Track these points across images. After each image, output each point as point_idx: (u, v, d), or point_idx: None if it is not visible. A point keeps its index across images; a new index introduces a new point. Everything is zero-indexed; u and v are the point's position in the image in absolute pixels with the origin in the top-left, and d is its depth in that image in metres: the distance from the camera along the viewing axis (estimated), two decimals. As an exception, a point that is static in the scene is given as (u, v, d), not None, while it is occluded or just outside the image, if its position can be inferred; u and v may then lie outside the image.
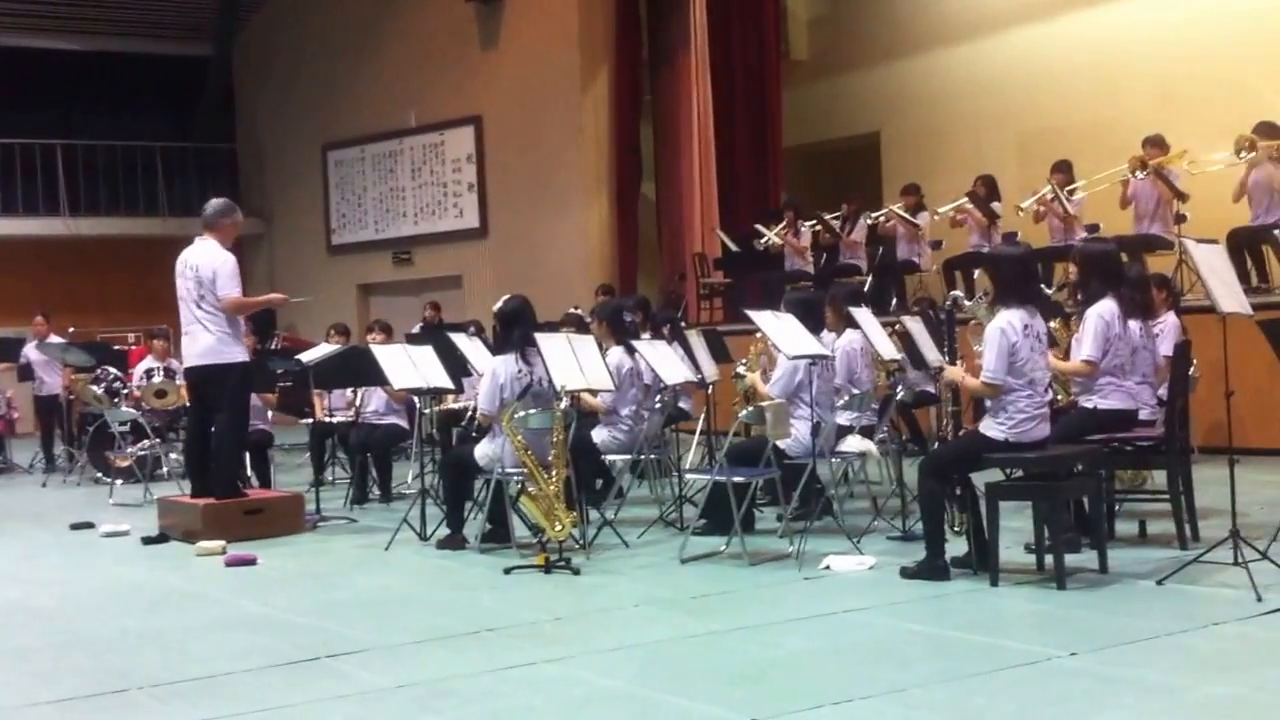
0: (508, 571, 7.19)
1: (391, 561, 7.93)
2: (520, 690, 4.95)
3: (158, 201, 21.17)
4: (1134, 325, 7.14)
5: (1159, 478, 7.59)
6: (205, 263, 8.89)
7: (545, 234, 17.45)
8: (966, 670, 4.96)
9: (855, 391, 8.36)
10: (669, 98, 17.48)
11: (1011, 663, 5.02)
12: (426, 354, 8.86)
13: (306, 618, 6.37)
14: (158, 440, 11.77)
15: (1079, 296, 7.38)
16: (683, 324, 11.71)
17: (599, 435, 8.77)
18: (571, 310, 12.18)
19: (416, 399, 9.30)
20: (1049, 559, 6.44)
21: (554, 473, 7.33)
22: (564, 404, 7.52)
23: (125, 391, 12.33)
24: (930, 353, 7.62)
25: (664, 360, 8.68)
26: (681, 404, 10.15)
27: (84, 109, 20.88)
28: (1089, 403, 7.00)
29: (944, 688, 4.76)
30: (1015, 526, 7.26)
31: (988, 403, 6.48)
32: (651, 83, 17.81)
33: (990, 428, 6.41)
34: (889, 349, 8.29)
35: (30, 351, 14.37)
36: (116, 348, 14.51)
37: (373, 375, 9.27)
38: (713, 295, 16.51)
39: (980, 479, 6.69)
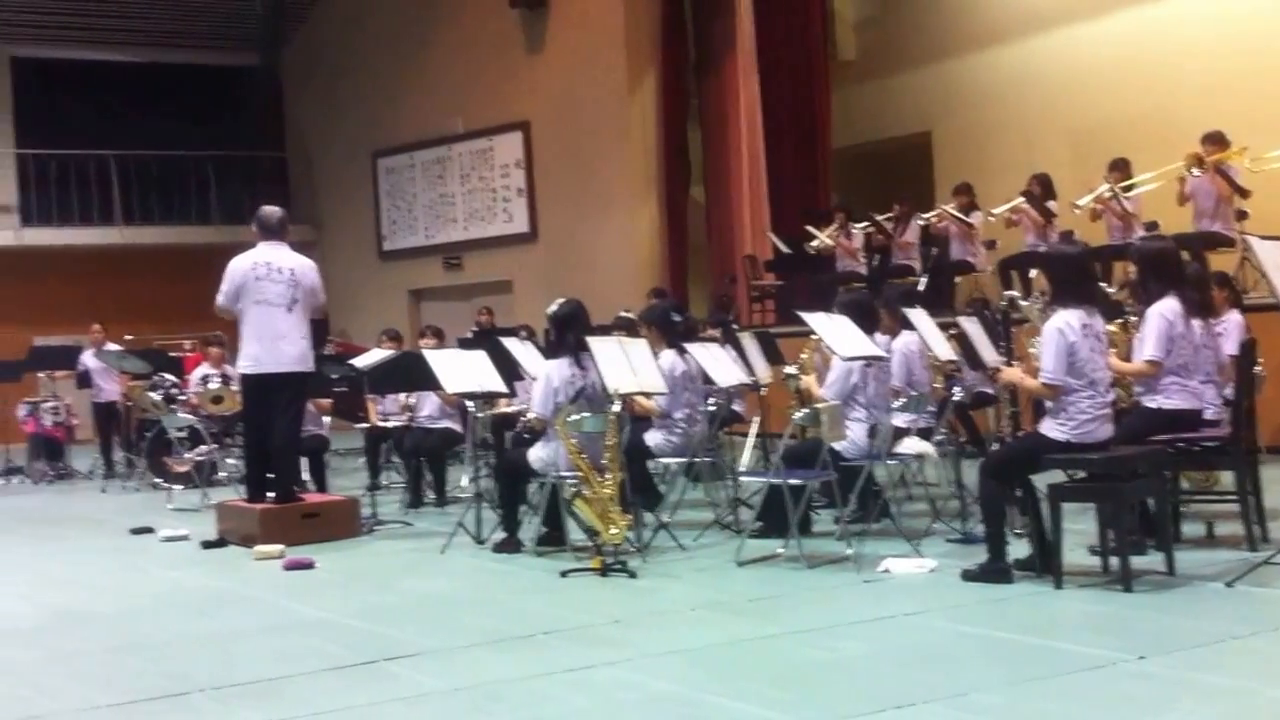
0: (564, 574, 7.17)
1: (447, 565, 7.93)
2: (574, 694, 4.91)
3: (209, 210, 21.37)
4: (1195, 324, 7.01)
5: (1226, 478, 7.45)
6: (301, 268, 9.03)
7: (594, 237, 17.46)
8: (1029, 674, 4.88)
9: (912, 393, 8.28)
10: (716, 100, 17.45)
11: (1076, 667, 4.94)
12: (479, 358, 8.86)
13: (362, 621, 6.37)
14: (215, 445, 11.86)
15: (1138, 296, 7.25)
16: (734, 326, 11.66)
17: (652, 438, 8.73)
18: (622, 313, 12.16)
19: (469, 403, 9.30)
20: (1114, 561, 6.33)
21: (608, 476, 7.30)
22: (616, 407, 7.48)
23: (182, 398, 12.42)
24: (988, 353, 7.53)
25: (716, 362, 8.63)
26: (735, 406, 10.09)
27: (136, 120, 21.07)
28: (1152, 403, 6.88)
29: (1006, 692, 4.68)
30: (1078, 529, 7.15)
31: (1048, 403, 6.39)
32: (698, 85, 17.78)
33: (1051, 429, 6.31)
34: (945, 350, 8.20)
35: (88, 359, 14.53)
36: (172, 354, 14.63)
37: (426, 380, 9.28)
38: (763, 297, 16.46)
39: (1042, 480, 6.59)
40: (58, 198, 20.62)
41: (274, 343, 8.94)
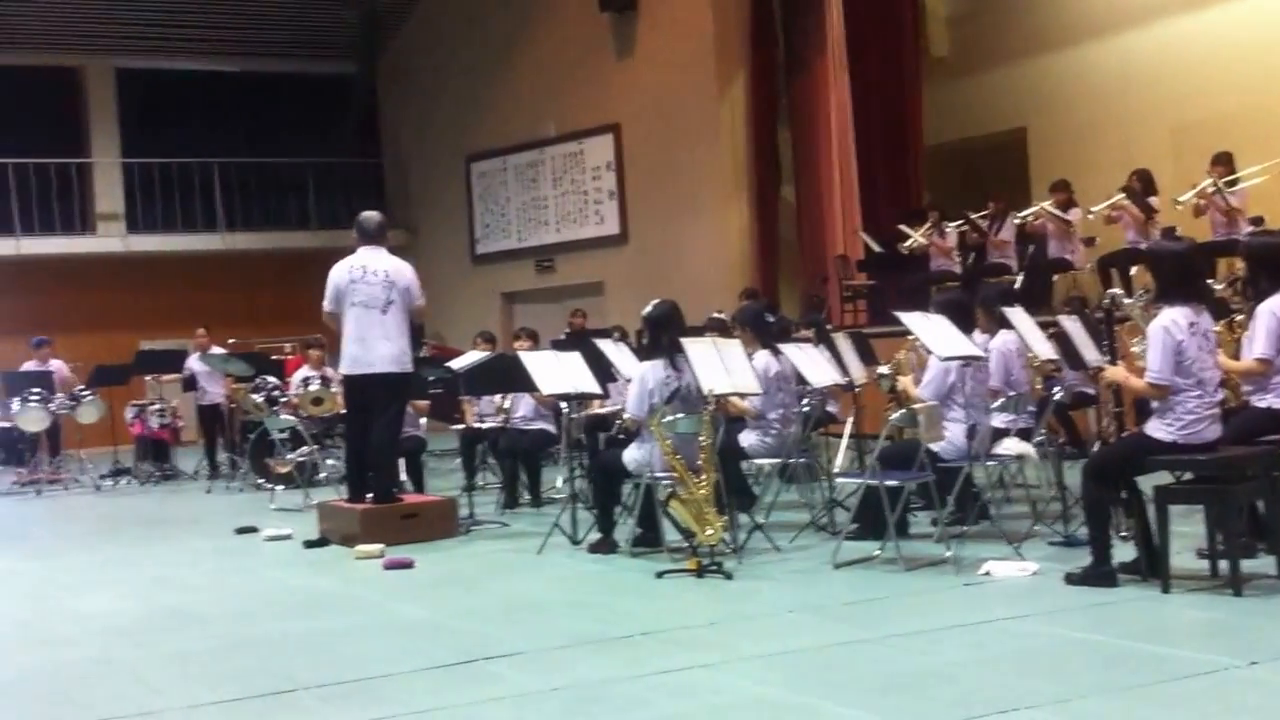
0: (659, 576, 7.18)
1: (543, 566, 7.97)
2: (671, 696, 4.92)
3: (308, 216, 21.72)
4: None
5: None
6: (396, 270, 9.15)
7: (685, 239, 17.45)
8: (1136, 681, 4.79)
9: (1011, 393, 8.17)
10: (806, 100, 17.34)
11: (1185, 673, 4.84)
12: (574, 360, 8.90)
13: (461, 621, 6.44)
14: (315, 446, 12.04)
15: (1247, 293, 7.09)
16: (827, 326, 11.60)
17: (747, 439, 8.72)
18: (714, 315, 12.14)
19: (563, 404, 9.35)
20: (1223, 565, 6.20)
21: (703, 477, 7.30)
22: (710, 408, 7.47)
23: (283, 399, 12.63)
24: (1089, 352, 7.41)
25: (811, 363, 8.59)
26: (829, 407, 10.04)
27: (237, 128, 21.51)
28: (1262, 402, 6.71)
29: (1112, 699, 4.61)
30: (1185, 531, 6.99)
31: (1154, 404, 6.27)
32: (788, 85, 17.68)
33: (1158, 429, 6.19)
34: (1045, 349, 8.08)
35: (193, 363, 14.83)
36: (273, 357, 14.90)
37: (521, 381, 9.34)
38: (856, 297, 16.34)
39: (1148, 482, 6.47)
40: (162, 205, 21.06)
41: (369, 344, 9.07)
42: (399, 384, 9.22)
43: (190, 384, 14.98)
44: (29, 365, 15.00)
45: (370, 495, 9.15)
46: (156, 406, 14.81)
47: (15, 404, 13.86)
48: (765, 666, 5.27)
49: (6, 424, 14.29)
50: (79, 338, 18.71)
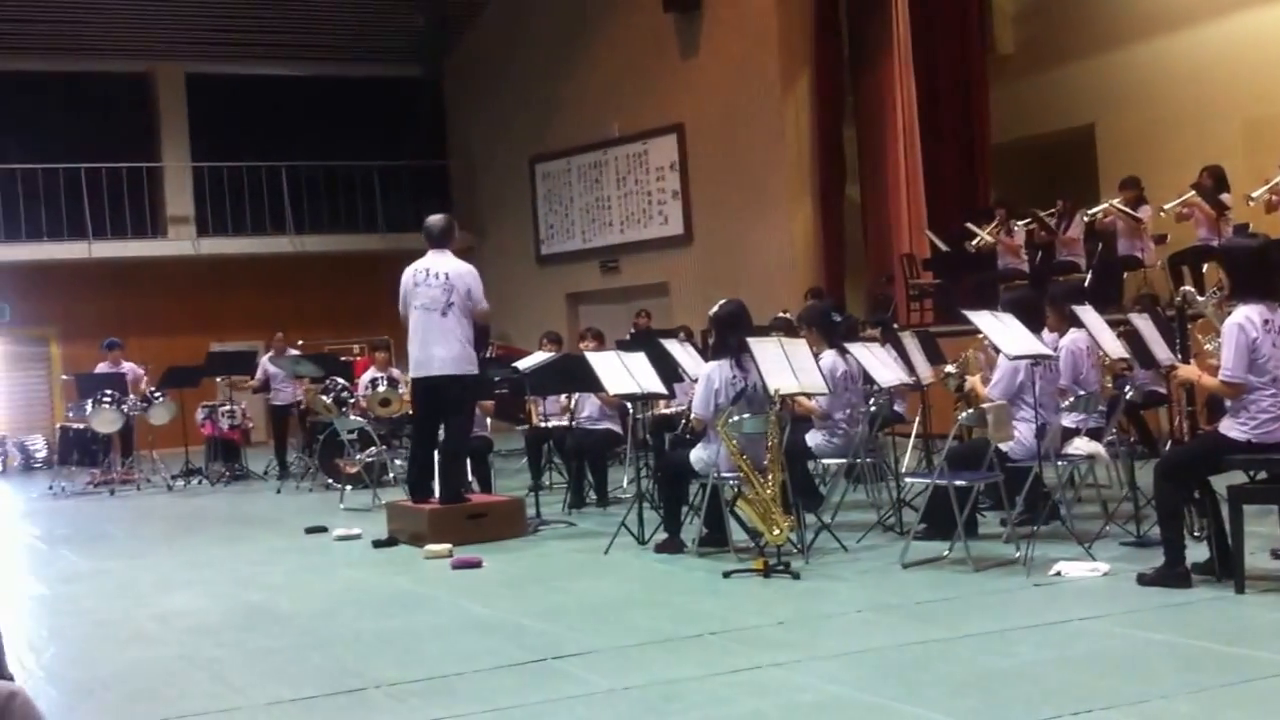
0: (727, 575, 7.19)
1: (611, 565, 8.01)
2: (747, 695, 4.93)
3: (376, 219, 21.91)
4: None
5: None
6: (456, 272, 9.19)
7: (750, 239, 17.44)
8: (1213, 682, 4.76)
9: (1080, 392, 8.11)
10: (871, 98, 17.29)
11: (1262, 674, 4.80)
12: (640, 360, 8.93)
13: (532, 620, 6.48)
14: (383, 447, 12.16)
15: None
16: (894, 326, 11.55)
17: (813, 439, 8.71)
18: (780, 314, 12.13)
19: (629, 404, 9.37)
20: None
21: (770, 476, 7.30)
22: (776, 408, 7.47)
23: (352, 401, 12.77)
24: (1161, 351, 7.34)
25: (878, 362, 8.57)
26: (895, 407, 10.00)
27: (305, 132, 21.70)
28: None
29: (1189, 700, 4.57)
30: (1261, 532, 6.92)
31: (1228, 402, 6.20)
32: (853, 84, 17.64)
33: (1231, 428, 6.13)
34: (1116, 348, 8.02)
35: (266, 365, 15.04)
36: (343, 359, 15.06)
37: (587, 381, 9.39)
38: (922, 296, 16.26)
39: (1221, 482, 6.40)
40: (231, 209, 21.33)
41: (427, 347, 9.17)
42: (456, 387, 9.21)
43: (265, 385, 15.19)
44: (101, 367, 15.26)
45: (436, 496, 9.24)
46: (226, 408, 15.03)
47: (89, 405, 14.08)
48: (838, 666, 5.28)
49: (80, 425, 14.54)
50: (150, 340, 19.01)
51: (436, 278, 9.18)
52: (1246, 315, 6.10)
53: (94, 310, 19.99)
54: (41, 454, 18.82)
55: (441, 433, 9.36)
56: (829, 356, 8.69)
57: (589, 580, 7.62)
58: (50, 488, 14.61)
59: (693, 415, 8.16)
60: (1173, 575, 6.25)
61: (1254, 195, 12.32)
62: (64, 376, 18.32)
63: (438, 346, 9.13)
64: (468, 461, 10.44)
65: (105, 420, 14.07)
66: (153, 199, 21.36)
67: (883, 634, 5.83)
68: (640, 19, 18.67)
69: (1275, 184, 12.17)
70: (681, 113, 18.42)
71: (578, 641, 5.89)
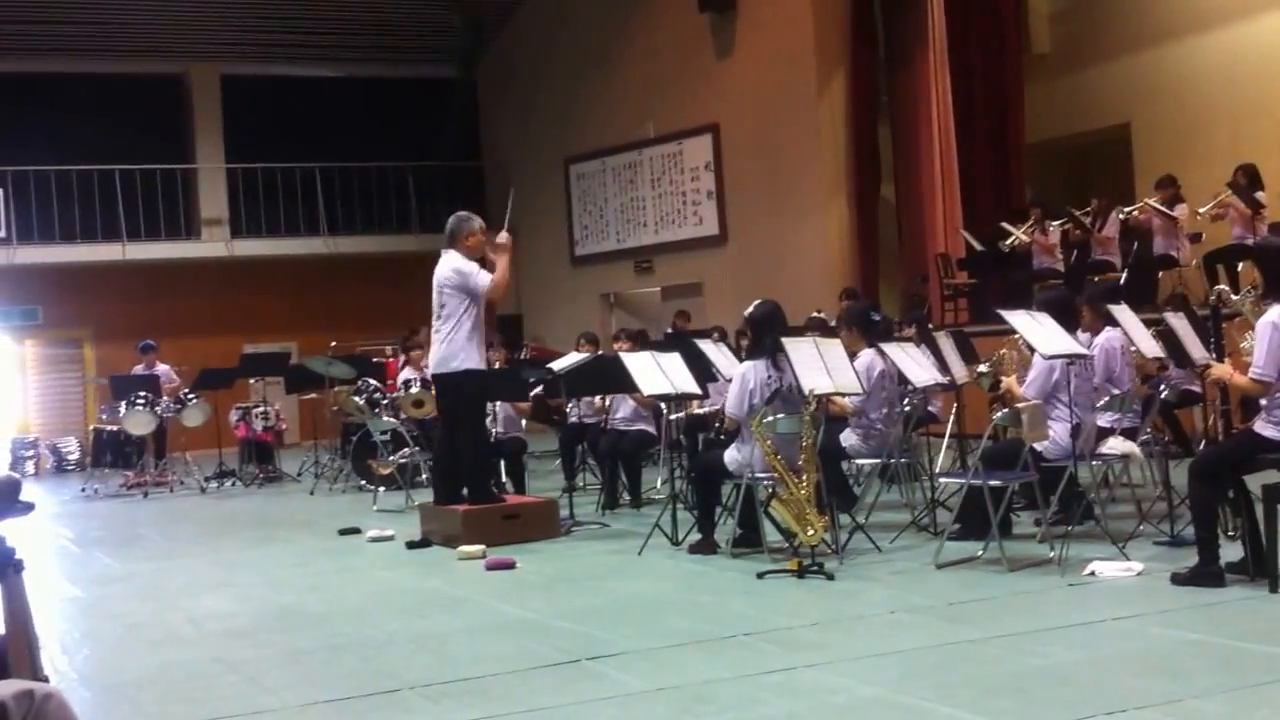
0: (761, 576, 7.19)
1: (645, 566, 8.02)
2: (781, 696, 4.93)
3: (409, 219, 21.98)
4: None
5: None
6: (441, 274, 9.17)
7: (784, 239, 17.41)
8: (1248, 681, 4.73)
9: (1115, 392, 8.06)
10: (906, 98, 17.23)
11: (1298, 674, 4.77)
12: (674, 360, 8.93)
13: (565, 621, 6.50)
14: (417, 448, 12.19)
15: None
16: (929, 325, 11.51)
17: (848, 439, 8.69)
18: (814, 314, 12.11)
19: (662, 404, 9.36)
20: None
21: (804, 477, 7.29)
22: (811, 408, 7.46)
23: (385, 401, 12.80)
24: (1195, 350, 7.29)
25: (912, 362, 8.54)
26: (929, 407, 9.97)
27: (338, 133, 21.76)
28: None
29: (1224, 699, 4.55)
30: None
31: (1263, 401, 6.16)
32: (888, 84, 17.59)
33: (1266, 427, 6.09)
34: (1151, 347, 7.97)
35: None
36: (375, 360, 15.09)
37: (621, 382, 9.39)
38: (957, 296, 16.20)
39: (1255, 481, 6.36)
40: (265, 210, 21.41)
41: (433, 348, 9.26)
42: (456, 385, 9.16)
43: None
44: (137, 369, 15.35)
45: (466, 494, 9.26)
46: (260, 409, 15.10)
47: (122, 407, 14.16)
48: (873, 667, 5.27)
49: (114, 427, 14.64)
50: (184, 341, 19.08)
51: (435, 280, 9.23)
52: (1281, 314, 6.06)
53: (127, 312, 20.12)
54: (74, 456, 18.99)
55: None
56: (867, 355, 8.67)
57: (622, 581, 7.63)
58: (83, 490, 14.72)
59: (727, 415, 8.16)
60: (1207, 575, 6.22)
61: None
62: (97, 379, 18.46)
63: (438, 347, 9.20)
64: (502, 463, 10.46)
65: (139, 422, 14.14)
66: (186, 201, 21.49)
67: (916, 635, 5.81)
68: (675, 19, 18.67)
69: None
70: (716, 113, 18.41)
71: (611, 643, 5.90)
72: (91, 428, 16.75)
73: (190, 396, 14.71)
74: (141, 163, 20.29)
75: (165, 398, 14.54)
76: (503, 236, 9.33)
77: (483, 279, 9.07)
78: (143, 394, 14.22)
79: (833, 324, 10.81)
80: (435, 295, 9.18)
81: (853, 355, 8.28)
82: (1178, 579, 6.33)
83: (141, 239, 20.41)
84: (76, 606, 7.89)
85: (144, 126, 20.98)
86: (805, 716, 4.71)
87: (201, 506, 13.06)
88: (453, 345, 9.07)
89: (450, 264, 9.17)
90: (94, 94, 20.59)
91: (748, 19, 17.79)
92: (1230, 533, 6.78)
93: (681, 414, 10.02)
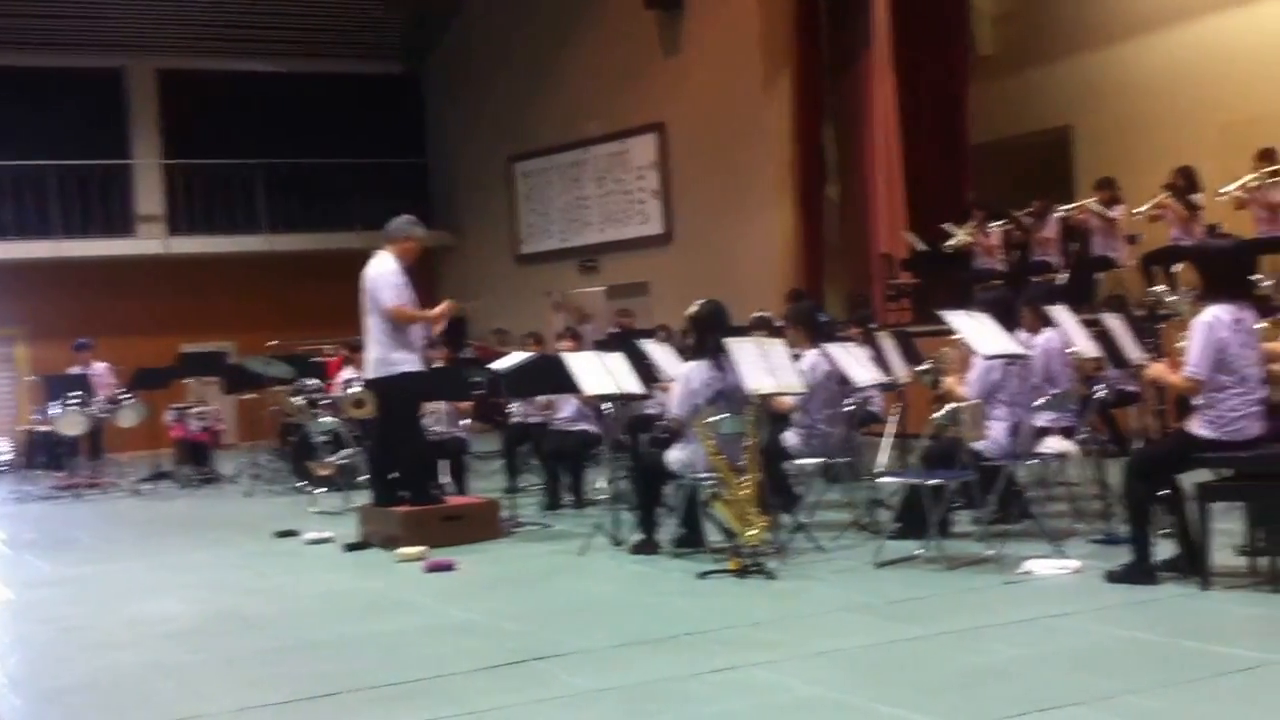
0: (702, 576, 7.19)
1: (587, 567, 8.00)
2: (725, 694, 4.94)
3: (350, 217, 21.77)
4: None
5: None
6: (371, 274, 9.10)
7: (730, 238, 17.45)
8: (1181, 677, 4.81)
9: (1053, 391, 8.13)
10: (852, 98, 17.32)
11: (1229, 668, 4.85)
12: (618, 360, 8.91)
13: (509, 622, 6.47)
14: (357, 449, 12.08)
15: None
16: (871, 325, 11.57)
17: (790, 439, 8.71)
18: (758, 314, 12.13)
19: (604, 404, 9.33)
20: (1262, 562, 6.17)
21: (746, 477, 7.30)
22: (755, 406, 7.47)
23: (325, 402, 12.68)
24: (1132, 350, 7.38)
25: (855, 362, 8.57)
26: (871, 407, 10.01)
27: (279, 129, 21.52)
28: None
29: (1158, 695, 4.61)
30: (1225, 529, 6.94)
31: (1196, 400, 6.24)
32: (834, 84, 17.66)
33: (1199, 426, 6.17)
34: (1089, 347, 8.05)
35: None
36: (314, 359, 14.95)
37: (563, 382, 9.35)
38: (900, 296, 16.30)
39: (1188, 479, 6.44)
40: (203, 207, 21.18)
41: (366, 349, 9.23)
42: (387, 388, 9.13)
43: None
44: (73, 369, 15.08)
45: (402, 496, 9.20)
46: (196, 409, 14.90)
47: (55, 408, 13.93)
48: (815, 665, 5.29)
49: (46, 428, 14.39)
50: (120, 340, 18.68)
51: (363, 281, 9.15)
52: (1215, 314, 6.15)
53: (62, 310, 19.74)
54: (6, 457, 18.63)
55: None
56: (811, 356, 8.69)
57: (565, 582, 7.62)
58: (14, 492, 14.45)
59: (670, 415, 8.15)
60: (1140, 572, 6.29)
61: (1224, 190, 12.39)
62: (30, 378, 18.18)
63: (368, 349, 9.16)
64: (443, 463, 10.39)
65: (71, 423, 13.90)
66: (123, 197, 21.16)
67: (858, 633, 5.85)
68: (622, 17, 18.67)
69: (1245, 181, 12.26)
70: (662, 112, 18.43)
71: (556, 643, 5.88)
72: (24, 428, 16.49)
73: (125, 396, 14.47)
74: (77, 158, 20.00)
75: (100, 395, 14.31)
76: (445, 306, 9.40)
77: (389, 296, 8.96)
78: (75, 394, 13.98)
79: (779, 324, 10.83)
80: (362, 294, 9.12)
81: (797, 355, 8.30)
82: (1112, 577, 6.40)
83: (77, 236, 20.13)
84: (8, 610, 7.77)
85: (79, 121, 20.63)
86: (748, 715, 4.73)
87: (136, 509, 12.84)
88: (382, 350, 9.02)
89: (377, 266, 9.11)
90: (28, 88, 20.23)
91: (694, 17, 17.83)
92: (1163, 530, 6.85)
93: (623, 413, 9.98)
